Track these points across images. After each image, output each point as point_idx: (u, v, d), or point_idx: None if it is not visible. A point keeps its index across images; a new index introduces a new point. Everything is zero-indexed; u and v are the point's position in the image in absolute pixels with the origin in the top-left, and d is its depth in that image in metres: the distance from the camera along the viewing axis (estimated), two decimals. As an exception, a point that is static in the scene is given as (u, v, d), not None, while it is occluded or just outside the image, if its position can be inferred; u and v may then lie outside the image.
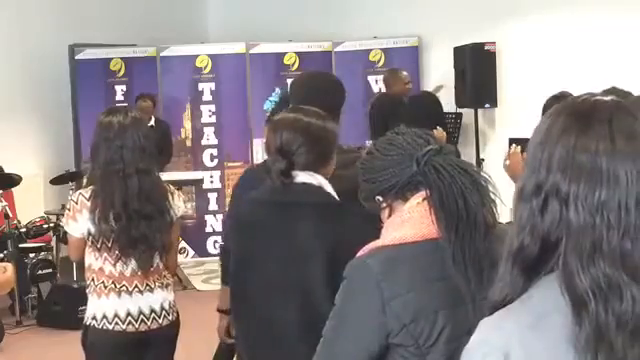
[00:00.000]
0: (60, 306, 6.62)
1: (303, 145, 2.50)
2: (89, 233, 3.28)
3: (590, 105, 1.28)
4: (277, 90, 3.53)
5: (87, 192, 3.31)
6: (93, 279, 3.35)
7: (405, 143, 1.94)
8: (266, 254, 2.52)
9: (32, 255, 7.09)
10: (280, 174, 2.48)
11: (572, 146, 1.23)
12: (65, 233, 7.13)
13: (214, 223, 9.18)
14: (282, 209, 2.51)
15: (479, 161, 8.26)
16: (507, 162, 3.61)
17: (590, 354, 1.17)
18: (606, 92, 3.59)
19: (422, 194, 1.89)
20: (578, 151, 1.23)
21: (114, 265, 3.30)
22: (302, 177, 2.51)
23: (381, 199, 1.98)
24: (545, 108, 4.53)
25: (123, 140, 3.26)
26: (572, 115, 1.27)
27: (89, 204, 3.27)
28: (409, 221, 1.88)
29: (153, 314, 3.35)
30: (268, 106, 3.47)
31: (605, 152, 1.22)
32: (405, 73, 8.21)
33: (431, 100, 7.13)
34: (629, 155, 1.22)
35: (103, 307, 3.31)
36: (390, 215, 1.96)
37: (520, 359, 1.20)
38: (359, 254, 1.91)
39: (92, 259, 3.34)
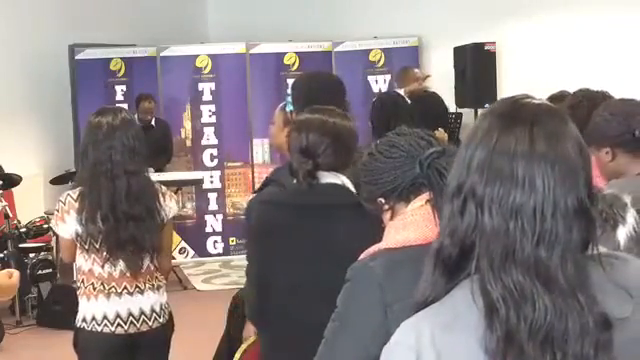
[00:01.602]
0: (60, 306, 6.61)
1: (330, 146, 2.50)
2: (77, 234, 3.27)
3: (516, 107, 1.26)
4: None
5: (75, 193, 3.29)
6: (83, 281, 3.34)
7: (407, 145, 1.93)
8: (294, 256, 2.49)
9: (32, 255, 7.08)
10: (307, 175, 2.47)
11: (491, 147, 1.21)
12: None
13: (214, 223, 9.18)
14: (311, 210, 2.48)
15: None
16: None
17: (499, 357, 1.16)
18: (579, 91, 3.57)
19: (425, 196, 1.88)
20: (496, 153, 1.21)
21: (102, 266, 3.29)
22: (328, 178, 2.50)
23: (383, 201, 1.97)
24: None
25: (112, 141, 3.24)
26: (497, 116, 1.25)
27: (77, 205, 3.25)
28: (412, 224, 1.87)
29: (143, 316, 3.33)
30: (290, 107, 3.46)
31: (523, 155, 1.19)
32: (416, 70, 8.15)
33: (437, 100, 7.14)
34: (548, 158, 1.19)
35: (92, 309, 3.30)
36: (392, 217, 1.95)
37: (431, 359, 1.20)
38: (361, 257, 1.90)
39: (82, 261, 3.32)
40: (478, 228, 1.20)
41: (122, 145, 3.24)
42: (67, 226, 3.28)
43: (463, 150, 1.26)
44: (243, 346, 3.04)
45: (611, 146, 2.72)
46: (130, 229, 3.24)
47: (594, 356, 1.16)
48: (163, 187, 3.47)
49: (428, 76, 8.20)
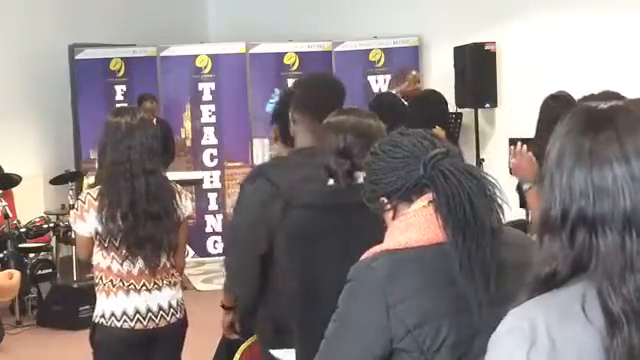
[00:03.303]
0: (60, 306, 6.62)
1: (365, 148, 2.51)
2: (96, 232, 3.32)
3: (593, 117, 1.27)
4: (276, 91, 3.53)
5: (94, 192, 3.35)
6: (101, 278, 3.39)
7: (411, 145, 1.92)
8: (340, 256, 2.48)
9: (32, 255, 7.10)
10: (346, 175, 2.48)
11: (588, 166, 1.22)
12: (65, 233, 7.20)
13: (214, 223, 9.18)
14: (352, 210, 2.49)
15: (479, 161, 8.27)
16: (513, 160, 3.54)
17: None
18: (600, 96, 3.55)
19: (427, 197, 1.87)
20: (595, 170, 1.22)
21: (121, 264, 3.34)
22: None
23: (385, 200, 1.96)
24: (542, 107, 4.51)
25: (130, 141, 3.30)
26: (580, 133, 1.25)
27: (96, 204, 3.31)
28: (414, 225, 1.86)
29: (161, 312, 3.39)
30: (270, 108, 3.48)
31: (619, 162, 1.21)
32: (414, 73, 8.17)
33: (436, 99, 7.14)
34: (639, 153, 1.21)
35: (111, 305, 3.35)
36: (394, 217, 1.95)
37: (546, 348, 1.20)
38: (363, 257, 1.89)
39: (100, 258, 3.37)
40: (593, 250, 1.21)
41: (141, 144, 3.31)
42: (87, 224, 3.33)
43: (556, 178, 1.26)
44: (243, 346, 3.04)
45: None
46: (149, 228, 3.31)
47: None
48: (179, 186, 3.53)
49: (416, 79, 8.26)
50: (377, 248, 1.89)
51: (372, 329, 1.81)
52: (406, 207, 1.92)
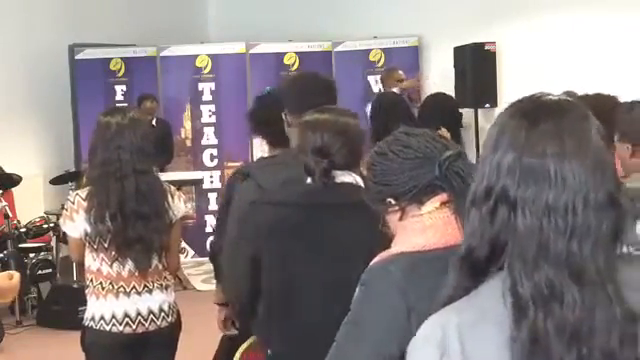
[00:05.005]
0: (60, 306, 6.62)
1: (344, 146, 2.51)
2: (86, 233, 3.29)
3: (538, 105, 1.27)
4: (267, 88, 3.48)
5: (84, 192, 3.32)
6: (92, 280, 3.35)
7: (422, 146, 1.90)
8: (313, 256, 2.47)
9: (32, 255, 7.08)
10: (324, 174, 2.47)
11: (521, 149, 1.22)
12: (65, 233, 7.17)
13: (214, 223, 9.15)
14: (328, 209, 2.47)
15: (479, 161, 8.27)
16: None
17: (526, 356, 1.17)
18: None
19: (439, 198, 1.86)
20: (526, 154, 1.22)
21: (111, 266, 3.31)
22: (342, 177, 2.50)
23: (393, 202, 1.92)
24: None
25: (120, 141, 3.27)
26: (521, 117, 1.26)
27: (85, 204, 3.28)
28: (432, 227, 1.84)
29: (151, 315, 3.35)
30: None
31: (553, 153, 1.21)
32: (400, 72, 8.29)
33: (446, 100, 7.19)
34: (578, 155, 1.21)
35: (101, 308, 3.32)
36: (402, 218, 1.92)
37: (456, 354, 1.20)
38: (376, 260, 1.86)
39: (90, 260, 3.34)
40: (510, 229, 1.21)
41: (130, 144, 3.27)
42: (76, 225, 3.30)
43: (489, 154, 1.27)
44: (243, 346, 3.04)
45: (633, 144, 2.75)
46: (138, 228, 3.26)
47: (619, 350, 1.17)
48: (172, 187, 3.49)
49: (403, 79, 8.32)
50: (392, 251, 1.86)
51: (389, 331, 1.79)
52: (416, 208, 1.90)
